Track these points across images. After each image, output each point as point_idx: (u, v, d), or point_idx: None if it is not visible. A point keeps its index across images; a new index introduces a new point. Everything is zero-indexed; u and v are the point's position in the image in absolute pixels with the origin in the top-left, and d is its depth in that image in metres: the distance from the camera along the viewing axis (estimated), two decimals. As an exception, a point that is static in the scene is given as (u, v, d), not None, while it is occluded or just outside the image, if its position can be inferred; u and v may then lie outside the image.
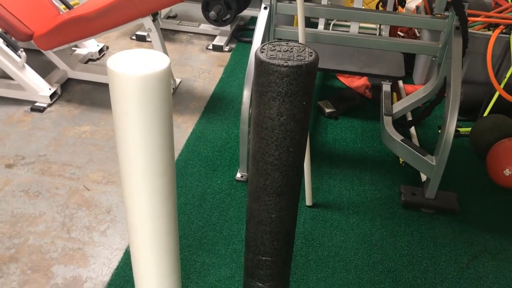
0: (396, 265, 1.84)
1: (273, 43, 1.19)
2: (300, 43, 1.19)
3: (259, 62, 1.12)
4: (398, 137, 2.14)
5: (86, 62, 3.09)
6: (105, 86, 2.83)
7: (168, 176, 1.23)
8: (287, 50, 1.16)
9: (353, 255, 1.87)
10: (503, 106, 2.59)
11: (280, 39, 2.20)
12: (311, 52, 1.15)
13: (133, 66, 1.08)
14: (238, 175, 2.19)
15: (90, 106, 2.68)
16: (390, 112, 2.31)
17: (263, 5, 2.12)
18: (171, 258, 1.39)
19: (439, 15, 2.13)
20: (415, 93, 2.34)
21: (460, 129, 2.57)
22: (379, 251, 1.89)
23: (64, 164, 2.26)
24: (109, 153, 2.34)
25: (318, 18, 3.37)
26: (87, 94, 2.79)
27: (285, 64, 1.09)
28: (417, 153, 2.05)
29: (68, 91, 2.81)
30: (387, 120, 2.26)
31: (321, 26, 3.33)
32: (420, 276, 1.80)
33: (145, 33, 3.38)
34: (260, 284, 1.51)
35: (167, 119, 1.13)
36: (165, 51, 2.73)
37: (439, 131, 2.62)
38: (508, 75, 2.63)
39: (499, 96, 2.61)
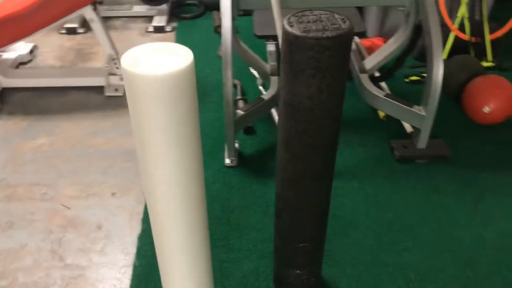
0: (411, 221, 1.82)
1: (297, 14, 1.06)
2: (324, 10, 1.08)
3: (293, 38, 1.00)
4: (380, 93, 2.10)
5: (17, 67, 2.76)
6: (47, 91, 2.54)
7: (199, 180, 1.09)
8: (317, 20, 1.04)
9: (366, 219, 1.84)
10: (460, 46, 2.64)
11: (247, 10, 2.07)
12: (342, 18, 1.04)
13: (153, 65, 0.92)
14: (227, 160, 2.06)
15: (39, 115, 2.40)
16: (364, 69, 2.26)
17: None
18: (204, 259, 1.26)
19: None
20: (386, 45, 2.30)
21: (425, 74, 2.58)
22: (389, 211, 1.87)
23: (31, 185, 2.00)
24: (78, 163, 2.11)
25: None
26: (30, 102, 2.50)
27: (324, 35, 0.98)
28: (404, 106, 2.03)
29: (7, 102, 2.49)
30: (364, 78, 2.21)
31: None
32: (436, 227, 1.80)
33: (75, 25, 3.07)
34: (298, 271, 1.43)
35: (194, 119, 0.98)
36: (110, 41, 2.48)
37: (406, 79, 2.64)
38: (459, 14, 2.67)
39: (456, 36, 2.65)
